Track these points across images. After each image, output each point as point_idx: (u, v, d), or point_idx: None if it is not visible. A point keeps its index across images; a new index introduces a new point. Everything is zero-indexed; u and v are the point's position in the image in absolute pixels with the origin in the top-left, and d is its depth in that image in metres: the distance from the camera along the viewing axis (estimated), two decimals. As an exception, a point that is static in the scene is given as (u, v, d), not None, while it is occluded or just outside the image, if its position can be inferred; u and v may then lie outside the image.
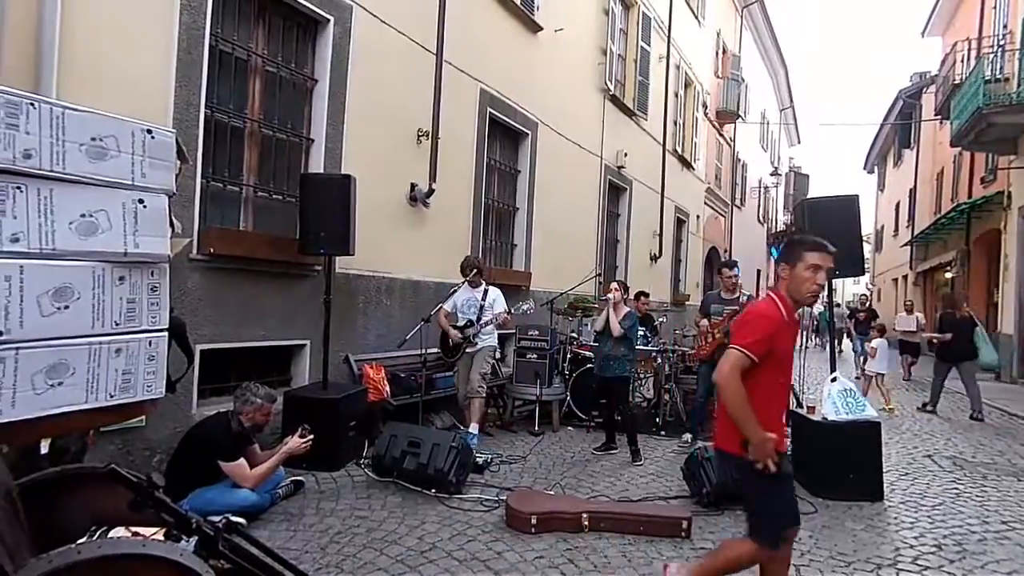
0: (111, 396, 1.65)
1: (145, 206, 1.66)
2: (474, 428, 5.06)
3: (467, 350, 5.26)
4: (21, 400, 1.49)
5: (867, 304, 13.30)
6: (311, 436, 3.60)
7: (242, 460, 3.32)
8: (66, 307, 1.54)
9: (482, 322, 5.26)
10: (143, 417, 3.46)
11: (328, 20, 4.90)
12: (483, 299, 5.34)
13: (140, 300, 1.68)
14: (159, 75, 3.72)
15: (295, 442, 3.54)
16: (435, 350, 5.36)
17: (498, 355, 6.03)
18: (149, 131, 1.68)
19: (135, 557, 1.43)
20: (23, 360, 1.49)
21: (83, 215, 1.56)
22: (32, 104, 1.48)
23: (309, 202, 4.42)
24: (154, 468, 3.60)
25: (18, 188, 1.47)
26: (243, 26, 4.46)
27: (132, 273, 1.66)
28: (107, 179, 1.60)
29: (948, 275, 15.69)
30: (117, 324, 1.64)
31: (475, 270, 5.36)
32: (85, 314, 1.58)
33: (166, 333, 1.77)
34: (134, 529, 1.78)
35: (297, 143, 4.91)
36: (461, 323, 5.30)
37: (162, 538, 1.67)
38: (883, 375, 7.81)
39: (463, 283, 5.38)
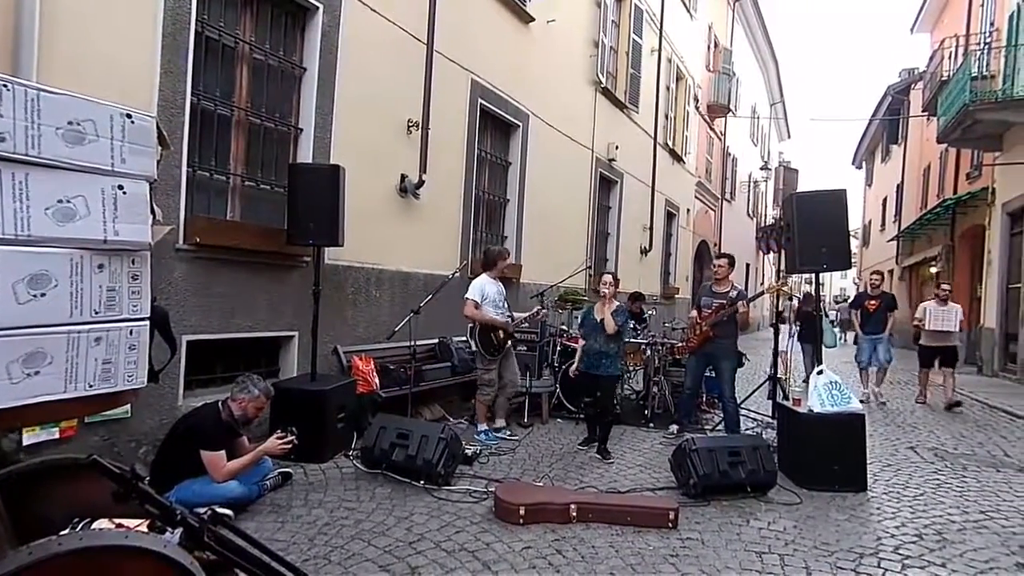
0: (90, 386, 1.62)
1: (125, 192, 1.62)
2: (501, 422, 5.28)
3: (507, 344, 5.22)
4: (-3, 389, 1.46)
5: (879, 285, 8.66)
6: (293, 439, 3.53)
7: (222, 452, 3.28)
8: (43, 295, 1.51)
9: (518, 316, 5.28)
10: (128, 408, 3.45)
11: (317, 8, 4.83)
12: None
13: (120, 288, 1.65)
14: (144, 61, 3.65)
15: (272, 442, 3.49)
16: (426, 342, 5.29)
17: None
18: (128, 115, 1.64)
19: (117, 549, 1.40)
20: (-1, 348, 1.45)
21: (60, 201, 1.52)
22: (6, 86, 1.44)
23: (297, 192, 4.37)
24: (139, 460, 3.56)
25: (-8, 172, 1.43)
26: (230, 12, 4.39)
27: (112, 261, 1.63)
28: (85, 164, 1.56)
29: (933, 270, 15.87)
30: (96, 312, 1.61)
31: (505, 262, 5.39)
32: (63, 302, 1.55)
33: (147, 322, 1.74)
34: (118, 521, 1.76)
35: (285, 132, 4.85)
36: (500, 317, 5.19)
37: (146, 530, 1.64)
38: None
39: (481, 274, 5.28)
